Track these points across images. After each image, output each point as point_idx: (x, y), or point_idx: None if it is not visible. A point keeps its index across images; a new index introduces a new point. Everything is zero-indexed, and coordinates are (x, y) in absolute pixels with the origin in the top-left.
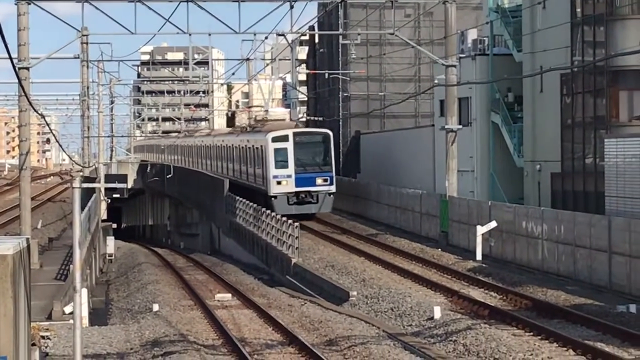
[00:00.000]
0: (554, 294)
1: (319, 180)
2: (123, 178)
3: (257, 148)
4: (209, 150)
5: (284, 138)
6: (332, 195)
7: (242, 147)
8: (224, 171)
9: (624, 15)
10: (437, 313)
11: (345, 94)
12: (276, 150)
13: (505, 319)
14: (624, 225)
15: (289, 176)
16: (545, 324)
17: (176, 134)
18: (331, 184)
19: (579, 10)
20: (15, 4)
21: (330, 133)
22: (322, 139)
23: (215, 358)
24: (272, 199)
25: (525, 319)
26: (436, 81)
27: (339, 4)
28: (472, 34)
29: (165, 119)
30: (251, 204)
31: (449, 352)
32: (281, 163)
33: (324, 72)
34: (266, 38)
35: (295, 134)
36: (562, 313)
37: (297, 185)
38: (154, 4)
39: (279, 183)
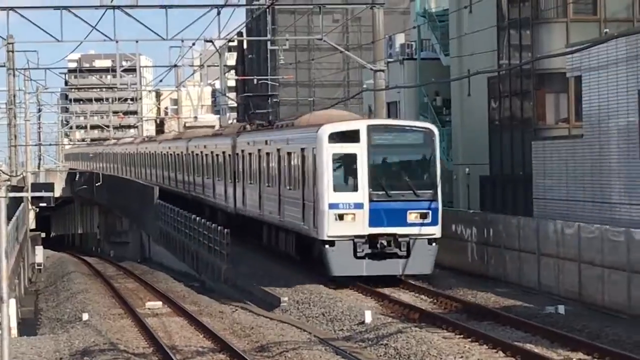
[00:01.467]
0: (484, 297)
1: (412, 215)
2: (50, 187)
3: (290, 155)
4: (180, 159)
5: (352, 136)
6: (434, 244)
7: (254, 155)
8: (208, 194)
9: (549, 18)
10: (368, 317)
11: (274, 100)
12: (337, 158)
13: (435, 322)
14: (551, 227)
15: (359, 206)
16: (475, 327)
17: (131, 138)
18: (434, 222)
19: (505, 14)
20: None
21: (435, 130)
22: (422, 140)
23: None
24: (326, 246)
25: (456, 322)
26: (365, 86)
27: (267, 10)
28: (400, 39)
29: (93, 127)
30: (181, 210)
31: (380, 355)
32: (345, 181)
33: (252, 77)
34: (193, 44)
35: (372, 129)
36: (492, 315)
37: (372, 224)
38: (80, 12)
39: (339, 218)
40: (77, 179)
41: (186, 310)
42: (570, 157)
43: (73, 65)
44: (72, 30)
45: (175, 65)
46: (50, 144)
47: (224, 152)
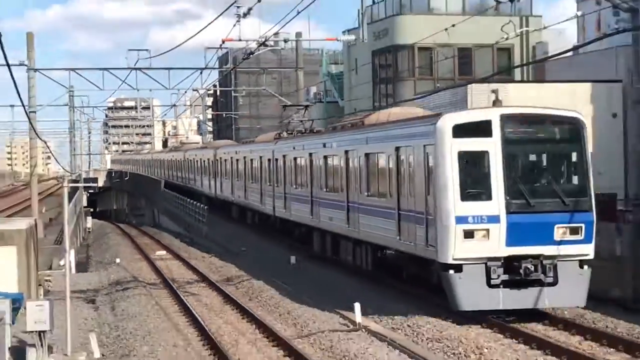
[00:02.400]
0: None
1: (560, 231)
2: (95, 180)
3: (369, 157)
4: (207, 164)
5: (482, 128)
6: (587, 267)
7: (303, 159)
8: (238, 195)
9: (404, 77)
10: (293, 260)
11: (236, 127)
12: (463, 158)
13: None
14: None
15: (494, 219)
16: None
17: (166, 149)
18: (588, 238)
19: (377, 74)
20: (27, 72)
21: (584, 121)
22: (570, 134)
23: (156, 290)
24: (451, 272)
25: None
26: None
27: (231, 71)
28: (313, 89)
29: (124, 143)
30: (179, 195)
31: (298, 281)
32: (474, 188)
33: (222, 113)
34: (185, 92)
35: (507, 119)
36: None
37: (511, 242)
38: (115, 71)
39: (468, 235)
40: (113, 175)
41: (181, 256)
42: None
43: (110, 104)
44: (110, 82)
45: (174, 105)
46: (96, 154)
47: (261, 158)
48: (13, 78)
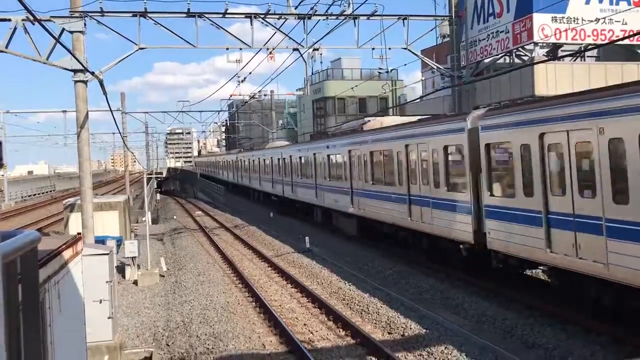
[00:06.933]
0: None
1: None
2: (160, 173)
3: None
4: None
5: None
6: None
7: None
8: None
9: (329, 114)
10: (271, 215)
11: (239, 143)
12: None
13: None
14: None
15: None
16: None
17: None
18: None
19: (315, 112)
20: (121, 114)
21: None
22: None
23: (196, 232)
24: None
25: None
26: (269, 137)
27: (236, 112)
28: (280, 121)
29: (176, 152)
30: (208, 181)
31: (274, 226)
32: None
33: (230, 135)
34: (210, 124)
35: None
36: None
37: None
38: (171, 113)
39: None
40: (171, 171)
41: (209, 213)
42: None
43: (168, 130)
44: (168, 118)
45: (204, 131)
46: (161, 159)
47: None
48: (114, 118)
